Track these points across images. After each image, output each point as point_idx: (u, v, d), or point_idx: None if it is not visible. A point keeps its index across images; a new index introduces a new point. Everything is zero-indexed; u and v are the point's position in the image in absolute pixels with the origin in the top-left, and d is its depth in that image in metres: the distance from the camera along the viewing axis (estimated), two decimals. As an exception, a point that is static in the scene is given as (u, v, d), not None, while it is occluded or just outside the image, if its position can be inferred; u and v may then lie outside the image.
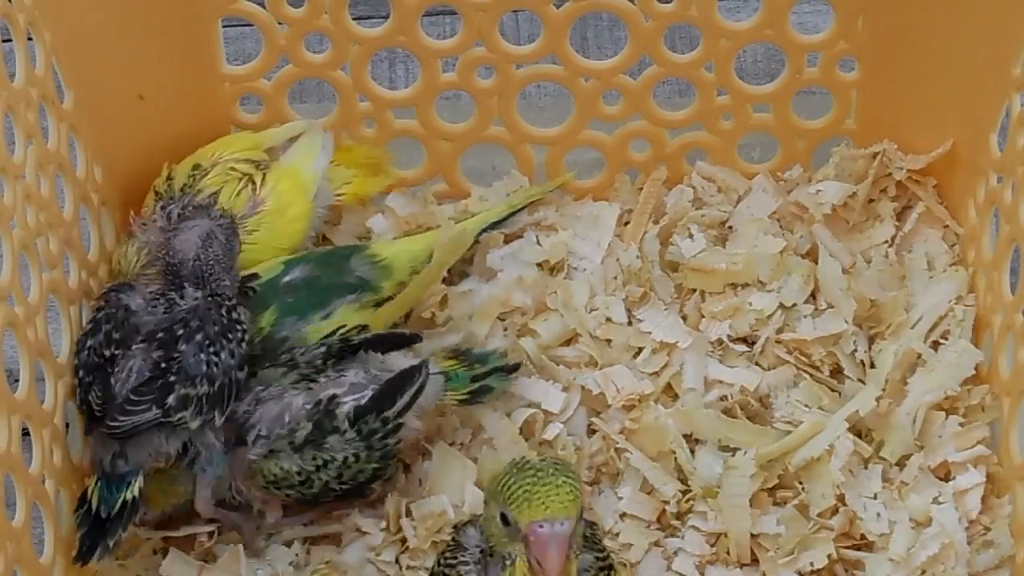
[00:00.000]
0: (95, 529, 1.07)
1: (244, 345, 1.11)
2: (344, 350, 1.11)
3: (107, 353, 1.10)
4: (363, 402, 1.09)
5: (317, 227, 1.24)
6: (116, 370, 1.09)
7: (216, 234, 1.12)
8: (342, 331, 1.13)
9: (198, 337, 1.09)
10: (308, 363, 1.10)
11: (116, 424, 1.07)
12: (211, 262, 1.11)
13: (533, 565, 0.92)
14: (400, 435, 1.10)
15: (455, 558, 0.98)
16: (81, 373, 1.10)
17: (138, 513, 1.08)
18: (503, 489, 0.92)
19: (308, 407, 1.09)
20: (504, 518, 0.92)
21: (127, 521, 1.07)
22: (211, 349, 1.09)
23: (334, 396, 1.09)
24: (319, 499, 1.10)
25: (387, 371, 1.11)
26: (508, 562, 0.93)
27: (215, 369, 1.09)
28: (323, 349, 1.11)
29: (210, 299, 1.11)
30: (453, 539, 1.00)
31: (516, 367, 1.16)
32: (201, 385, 1.08)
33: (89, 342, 1.11)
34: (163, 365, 1.08)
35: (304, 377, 1.10)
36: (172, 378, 1.08)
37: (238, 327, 1.11)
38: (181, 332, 1.09)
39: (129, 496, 1.07)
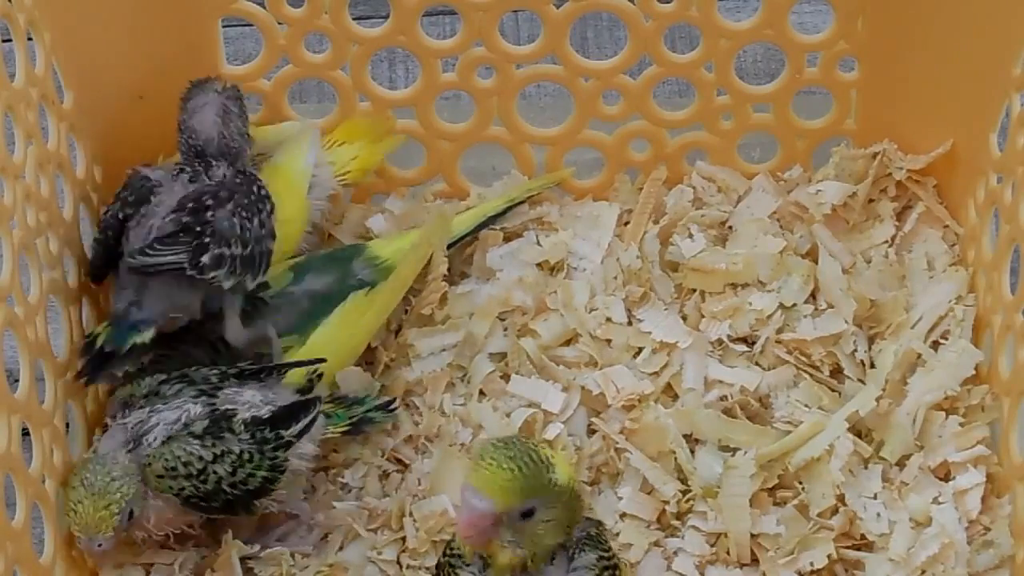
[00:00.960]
0: (98, 359, 1.10)
1: (272, 219, 1.14)
2: (242, 373, 1.11)
3: (121, 215, 1.13)
4: (260, 415, 1.09)
5: (316, 219, 1.24)
6: (133, 224, 1.12)
7: (229, 107, 1.15)
8: (242, 364, 1.12)
9: (229, 205, 1.12)
10: (204, 379, 1.10)
11: (139, 261, 1.09)
12: (235, 135, 1.15)
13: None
14: (289, 454, 1.09)
15: (453, 549, 0.98)
16: (97, 233, 1.15)
17: (148, 356, 1.09)
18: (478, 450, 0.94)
19: (205, 412, 1.08)
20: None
21: (136, 359, 1.10)
22: (244, 214, 1.12)
23: (231, 409, 1.08)
24: (210, 502, 1.08)
25: (282, 400, 1.11)
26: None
27: (247, 234, 1.12)
28: (216, 371, 1.11)
29: (240, 174, 1.14)
30: (443, 559, 0.99)
31: (391, 402, 1.16)
32: (235, 247, 1.11)
33: (109, 210, 1.14)
34: (198, 229, 1.10)
35: (203, 392, 1.09)
36: (207, 239, 1.10)
37: (267, 201, 1.14)
38: (211, 201, 1.12)
39: (139, 340, 1.09)
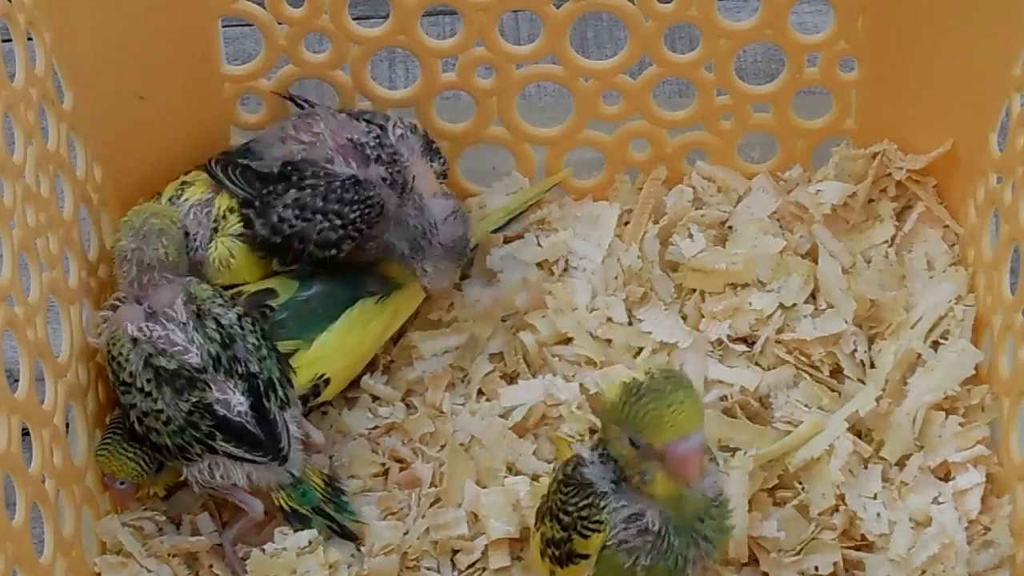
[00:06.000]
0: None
1: (342, 242, 1.15)
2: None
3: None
4: (233, 412, 1.08)
5: None
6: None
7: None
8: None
9: (306, 195, 1.15)
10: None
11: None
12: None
13: (677, 474, 0.95)
14: (207, 447, 1.08)
15: (587, 496, 0.99)
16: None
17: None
18: (629, 416, 0.95)
19: (198, 362, 1.09)
20: (633, 442, 0.95)
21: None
22: (304, 212, 1.15)
23: (220, 400, 1.08)
24: (119, 391, 1.10)
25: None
26: (647, 477, 0.97)
27: (286, 227, 1.15)
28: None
29: (370, 198, 1.15)
30: (567, 485, 1.00)
31: (353, 536, 1.12)
32: (262, 227, 1.16)
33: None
34: (276, 183, 1.16)
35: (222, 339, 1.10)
36: (266, 199, 1.16)
37: (354, 226, 1.15)
38: (308, 182, 1.15)
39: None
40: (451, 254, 1.15)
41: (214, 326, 1.10)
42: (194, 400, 1.08)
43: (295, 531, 1.10)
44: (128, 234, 1.12)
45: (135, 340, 1.09)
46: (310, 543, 1.10)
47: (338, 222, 1.16)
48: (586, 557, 0.99)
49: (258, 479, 1.10)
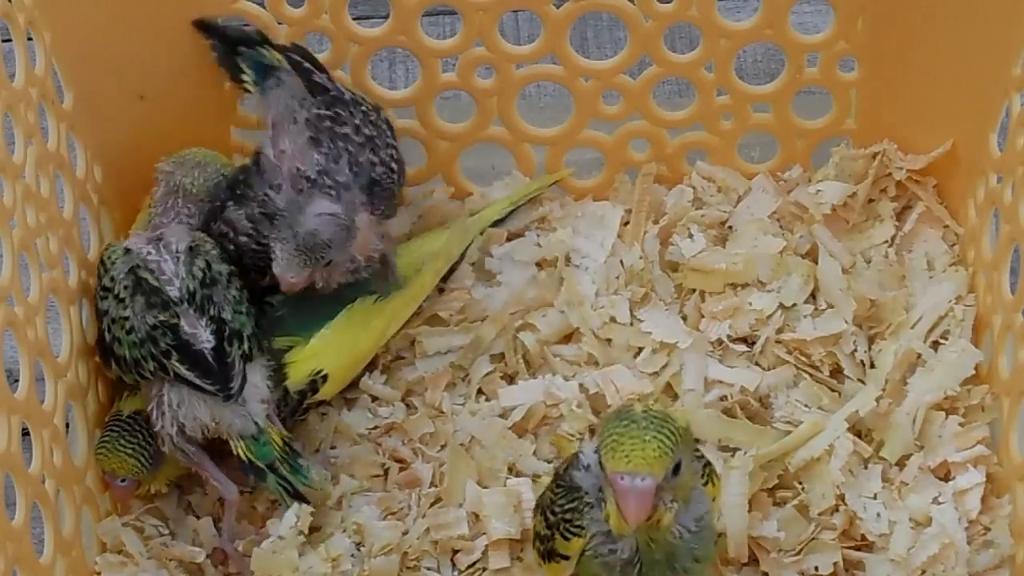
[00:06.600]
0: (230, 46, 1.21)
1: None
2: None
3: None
4: (198, 343, 1.10)
5: None
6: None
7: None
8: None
9: (231, 209, 1.15)
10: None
11: None
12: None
13: (621, 511, 0.93)
14: (160, 364, 1.09)
15: (573, 499, 0.98)
16: None
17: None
18: (600, 433, 0.94)
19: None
20: (601, 461, 0.94)
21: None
22: (219, 225, 1.15)
23: (188, 332, 1.10)
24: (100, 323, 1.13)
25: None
26: (604, 504, 0.95)
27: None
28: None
29: (265, 238, 1.13)
30: (558, 484, 1.00)
31: (304, 499, 1.11)
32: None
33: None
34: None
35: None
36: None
37: (241, 254, 1.15)
38: (246, 200, 1.15)
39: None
40: (302, 246, 1.11)
41: (202, 265, 1.12)
42: (161, 319, 1.10)
43: (254, 485, 1.11)
44: (172, 160, 1.17)
45: (128, 251, 1.13)
46: (298, 518, 1.09)
47: (231, 248, 1.16)
48: (567, 558, 1.00)
49: (220, 419, 1.10)
